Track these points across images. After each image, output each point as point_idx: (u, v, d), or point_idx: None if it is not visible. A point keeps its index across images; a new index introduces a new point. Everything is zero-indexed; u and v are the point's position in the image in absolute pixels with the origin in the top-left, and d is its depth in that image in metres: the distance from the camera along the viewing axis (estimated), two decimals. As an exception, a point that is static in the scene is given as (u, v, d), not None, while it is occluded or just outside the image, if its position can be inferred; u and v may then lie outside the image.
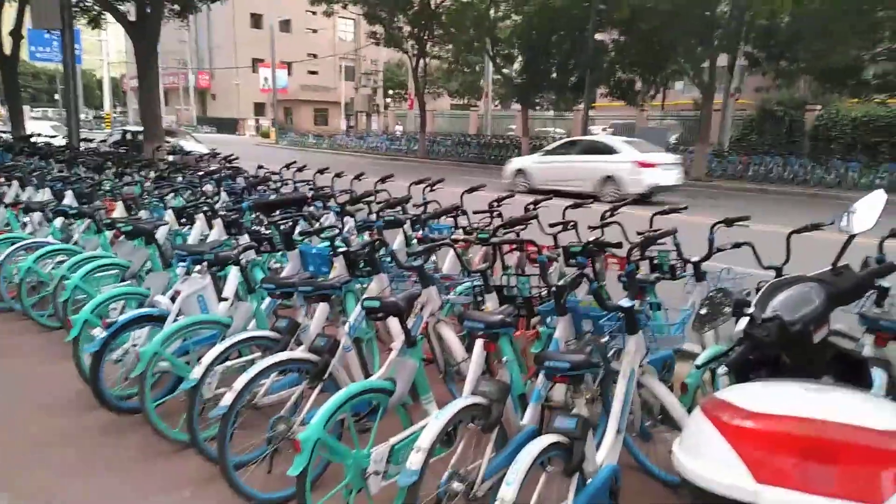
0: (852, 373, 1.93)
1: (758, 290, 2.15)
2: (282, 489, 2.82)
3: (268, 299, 3.93)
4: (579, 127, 24.49)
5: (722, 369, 1.84)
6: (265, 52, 41.23)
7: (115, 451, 3.29)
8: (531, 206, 5.02)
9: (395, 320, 2.97)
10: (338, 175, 7.26)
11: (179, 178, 7.54)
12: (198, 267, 3.81)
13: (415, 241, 4.70)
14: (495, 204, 5.20)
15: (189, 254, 3.89)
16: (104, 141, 17.13)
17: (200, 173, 7.70)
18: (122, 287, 4.19)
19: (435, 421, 2.26)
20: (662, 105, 28.55)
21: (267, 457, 2.79)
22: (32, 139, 13.42)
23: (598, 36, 22.97)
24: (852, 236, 2.28)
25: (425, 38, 25.93)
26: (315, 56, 52.16)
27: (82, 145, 12.93)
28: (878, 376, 2.38)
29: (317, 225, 4.81)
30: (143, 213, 5.83)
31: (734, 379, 1.91)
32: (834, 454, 1.34)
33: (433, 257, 4.47)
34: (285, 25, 49.87)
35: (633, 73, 24.31)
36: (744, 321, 1.92)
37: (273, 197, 6.17)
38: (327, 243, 3.92)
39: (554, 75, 25.64)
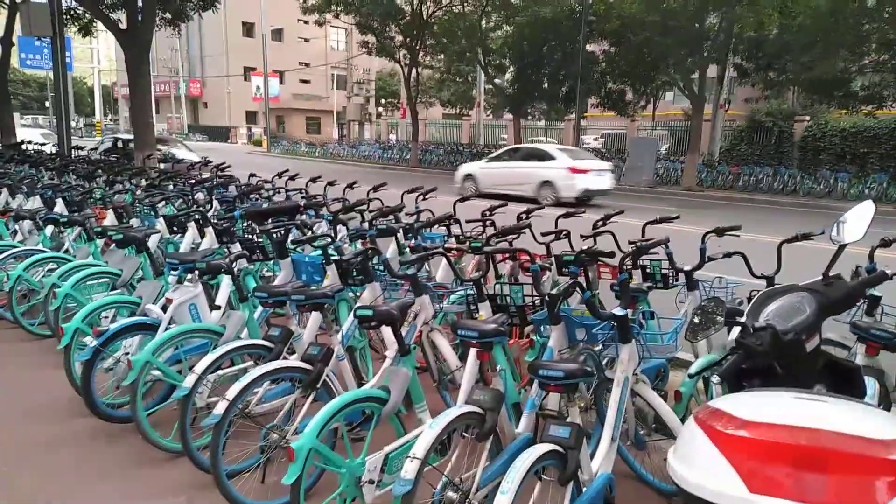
0: (844, 382, 1.94)
1: (750, 299, 2.17)
2: (275, 498, 2.81)
3: (260, 308, 3.91)
4: (571, 137, 24.64)
5: (715, 378, 1.85)
6: (257, 60, 41.24)
7: (107, 460, 3.26)
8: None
9: (388, 329, 2.97)
10: (330, 183, 7.26)
11: (171, 187, 7.52)
12: (189, 275, 3.79)
13: (408, 249, 4.71)
14: (488, 213, 5.22)
15: (181, 262, 3.87)
16: (95, 149, 17.09)
17: (192, 181, 7.68)
18: (114, 295, 4.16)
19: (429, 430, 2.25)
20: (653, 115, 28.74)
21: (260, 466, 2.77)
22: (23, 147, 13.34)
23: (588, 47, 23.17)
24: (843, 246, 2.30)
25: (417, 47, 26.02)
26: (307, 65, 52.21)
27: (73, 153, 12.88)
28: (871, 385, 2.40)
29: (309, 233, 4.80)
30: (134, 222, 5.81)
31: (727, 388, 1.92)
32: (827, 463, 1.35)
33: (426, 266, 4.49)
34: (277, 34, 49.90)
35: (624, 84, 24.51)
36: (736, 330, 1.93)
37: (265, 205, 6.16)
38: (320, 252, 3.92)
39: (545, 86, 25.81)
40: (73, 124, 27.12)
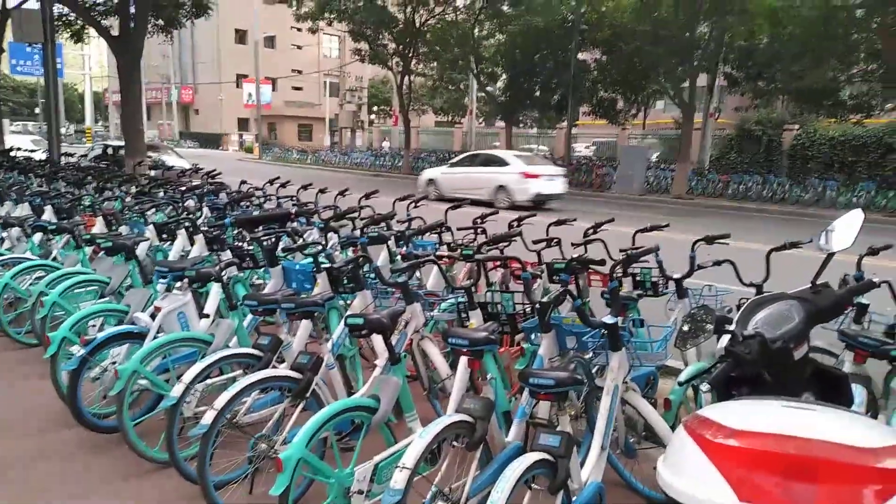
0: (832, 389, 1.95)
1: (739, 307, 2.17)
2: (263, 509, 2.78)
3: (250, 316, 3.89)
4: (563, 144, 24.76)
5: (704, 386, 1.85)
6: (249, 67, 41.24)
7: (93, 471, 3.22)
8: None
9: (378, 337, 2.96)
10: (322, 191, 7.25)
11: (161, 194, 7.48)
12: (179, 283, 3.76)
13: (399, 257, 4.70)
14: (479, 221, 5.23)
15: (170, 270, 3.84)
16: (85, 155, 17.00)
17: (182, 189, 7.65)
18: (102, 304, 4.13)
19: (419, 439, 2.24)
20: (644, 124, 28.95)
21: (248, 476, 2.75)
22: (11, 153, 13.25)
23: (580, 55, 23.35)
24: (831, 254, 2.31)
25: (410, 55, 26.10)
26: (300, 72, 52.23)
27: (63, 160, 12.80)
28: (859, 393, 2.41)
29: (300, 241, 4.79)
30: (123, 229, 5.77)
31: (716, 396, 1.92)
32: (816, 472, 1.35)
33: (417, 274, 4.48)
34: (270, 41, 49.95)
35: (615, 93, 24.72)
36: (725, 338, 1.93)
37: (256, 213, 6.14)
38: (311, 259, 3.91)
39: (537, 94, 25.96)
40: (63, 130, 27.02)
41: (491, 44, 27.19)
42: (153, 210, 6.13)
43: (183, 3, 14.64)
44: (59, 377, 3.62)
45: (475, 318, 3.43)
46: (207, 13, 15.16)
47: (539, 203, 15.33)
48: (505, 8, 24.13)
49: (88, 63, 48.71)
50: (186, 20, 15.35)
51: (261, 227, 5.00)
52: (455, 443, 2.40)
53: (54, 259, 5.38)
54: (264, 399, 3.13)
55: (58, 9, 14.33)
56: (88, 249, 5.20)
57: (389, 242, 4.89)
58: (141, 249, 4.81)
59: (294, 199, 7.03)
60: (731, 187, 19.98)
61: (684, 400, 3.15)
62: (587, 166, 23.94)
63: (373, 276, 3.66)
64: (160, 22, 14.88)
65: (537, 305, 2.79)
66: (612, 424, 2.57)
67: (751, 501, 1.36)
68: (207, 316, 3.75)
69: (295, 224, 5.44)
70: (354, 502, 2.40)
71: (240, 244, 4.77)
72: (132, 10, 12.43)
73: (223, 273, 3.70)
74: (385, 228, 5.26)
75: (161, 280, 4.07)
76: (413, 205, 6.05)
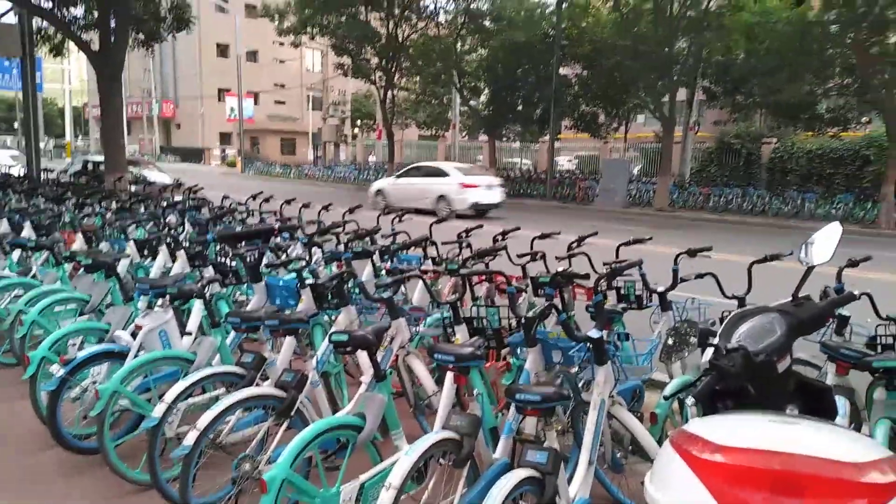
0: (816, 401, 1.96)
1: (722, 319, 2.19)
2: (247, 531, 2.73)
3: (233, 333, 3.84)
4: (545, 158, 24.94)
5: (689, 400, 1.86)
6: (231, 81, 41.13)
7: (73, 493, 3.16)
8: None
9: (364, 354, 2.94)
10: (305, 206, 7.23)
11: (142, 210, 7.41)
12: (160, 301, 3.72)
13: (384, 272, 4.68)
14: (464, 235, 5.24)
15: (151, 287, 3.80)
16: (65, 171, 16.82)
17: (164, 204, 7.59)
18: (82, 322, 4.07)
19: (405, 457, 2.22)
20: (625, 137, 29.24)
21: (232, 498, 2.70)
22: (-11, 169, 13.09)
23: (561, 70, 23.59)
24: (811, 267, 2.34)
25: (393, 70, 26.21)
26: (282, 86, 52.21)
27: (42, 175, 12.65)
28: (842, 405, 2.43)
29: (284, 257, 4.76)
30: (103, 246, 5.70)
31: (702, 409, 1.93)
32: (802, 488, 1.36)
33: (402, 289, 4.47)
34: (252, 56, 49.89)
35: (597, 107, 25.00)
36: (709, 352, 1.94)
37: (239, 228, 6.10)
38: (294, 275, 3.88)
39: (519, 108, 26.17)
40: (42, 145, 26.69)
41: (473, 58, 27.40)
42: (134, 226, 6.06)
43: (164, 17, 14.57)
44: (39, 398, 3.55)
45: (461, 332, 3.42)
46: (189, 27, 15.10)
47: (480, 212, 16.22)
48: (486, 23, 24.36)
49: (68, 77, 48.26)
50: (168, 34, 15.26)
51: (244, 243, 4.97)
52: (442, 460, 2.38)
53: (33, 276, 5.29)
54: (248, 418, 3.09)
55: (37, 23, 14.22)
56: (68, 267, 5.13)
57: (374, 257, 4.88)
58: (122, 266, 4.75)
59: (277, 214, 7.00)
60: (712, 200, 20.22)
61: (670, 413, 3.15)
62: (570, 180, 24.12)
63: (357, 291, 3.64)
64: (141, 36, 14.77)
65: (523, 320, 2.79)
66: (599, 439, 2.57)
67: (738, 517, 1.37)
68: (189, 334, 3.71)
69: (278, 239, 5.41)
70: (340, 522, 2.37)
71: (222, 260, 4.73)
72: (112, 24, 12.34)
73: (205, 290, 3.66)
74: (369, 243, 5.25)
75: (142, 297, 4.03)
76: (398, 219, 6.05)
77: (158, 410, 2.88)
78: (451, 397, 2.85)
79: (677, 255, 3.87)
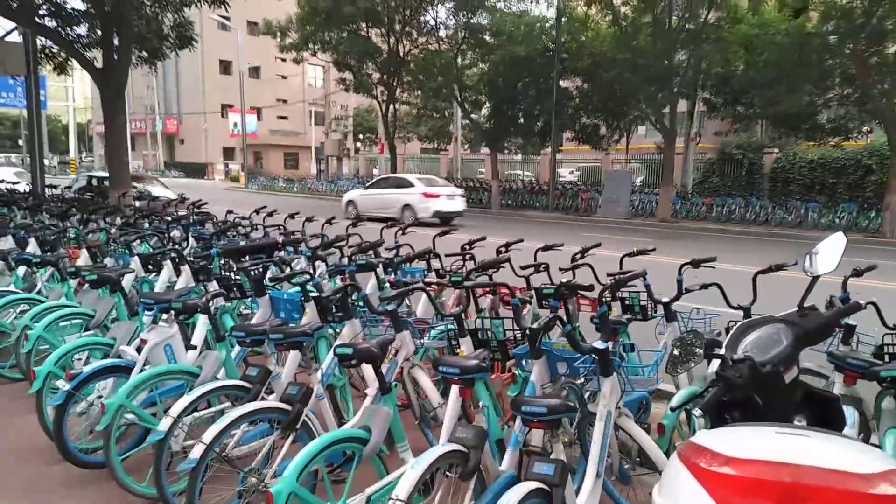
0: (824, 412, 1.96)
1: (727, 330, 2.19)
2: (253, 545, 2.72)
3: (237, 347, 3.85)
4: (547, 170, 24.99)
5: (697, 411, 1.85)
6: (234, 97, 41.37)
7: (76, 510, 3.15)
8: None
9: (368, 366, 2.93)
10: (309, 219, 7.24)
11: (146, 225, 7.44)
12: (165, 315, 3.73)
13: (387, 285, 4.68)
14: (468, 247, 5.24)
15: (156, 302, 3.80)
16: (69, 187, 16.88)
17: (168, 219, 7.61)
18: (87, 337, 4.07)
19: (412, 470, 2.22)
20: (627, 149, 29.29)
21: (237, 511, 2.70)
22: (-6, 186, 13.16)
23: (562, 83, 23.68)
24: (816, 277, 2.34)
25: (394, 84, 26.34)
26: (285, 101, 52.49)
27: (47, 191, 12.71)
28: (850, 414, 2.42)
29: (288, 270, 4.77)
30: (108, 261, 5.72)
31: (709, 421, 1.92)
32: (811, 499, 1.35)
33: (406, 301, 4.47)
34: (255, 72, 50.23)
35: (597, 119, 25.04)
36: (716, 363, 1.94)
37: (243, 243, 6.11)
38: (298, 289, 3.88)
39: (521, 120, 26.22)
40: (47, 162, 26.83)
41: (474, 72, 27.51)
42: (138, 241, 6.08)
43: (167, 35, 14.69)
44: (45, 412, 3.55)
45: (465, 345, 3.42)
46: (192, 45, 15.22)
47: (445, 220, 17.23)
48: (487, 38, 24.50)
49: (72, 94, 48.64)
50: (171, 52, 15.39)
51: (248, 257, 4.98)
52: (448, 473, 2.38)
53: (39, 292, 5.31)
54: (253, 431, 3.08)
55: (41, 41, 14.34)
56: (73, 282, 5.14)
57: (378, 270, 4.89)
58: (126, 281, 4.76)
59: (281, 228, 7.01)
60: (715, 210, 20.23)
61: (677, 424, 3.14)
62: (573, 191, 24.16)
63: (361, 304, 3.64)
64: (144, 54, 14.90)
65: (527, 331, 2.79)
66: (607, 451, 2.56)
67: (747, 528, 1.36)
68: (194, 348, 3.71)
69: (282, 253, 5.42)
70: (347, 536, 2.36)
71: (227, 274, 4.74)
72: (116, 42, 12.45)
73: (210, 304, 3.67)
74: (373, 256, 5.26)
75: (147, 312, 4.03)
76: (401, 231, 6.06)
77: (164, 424, 2.88)
78: (456, 409, 2.85)
79: (681, 266, 3.86)
